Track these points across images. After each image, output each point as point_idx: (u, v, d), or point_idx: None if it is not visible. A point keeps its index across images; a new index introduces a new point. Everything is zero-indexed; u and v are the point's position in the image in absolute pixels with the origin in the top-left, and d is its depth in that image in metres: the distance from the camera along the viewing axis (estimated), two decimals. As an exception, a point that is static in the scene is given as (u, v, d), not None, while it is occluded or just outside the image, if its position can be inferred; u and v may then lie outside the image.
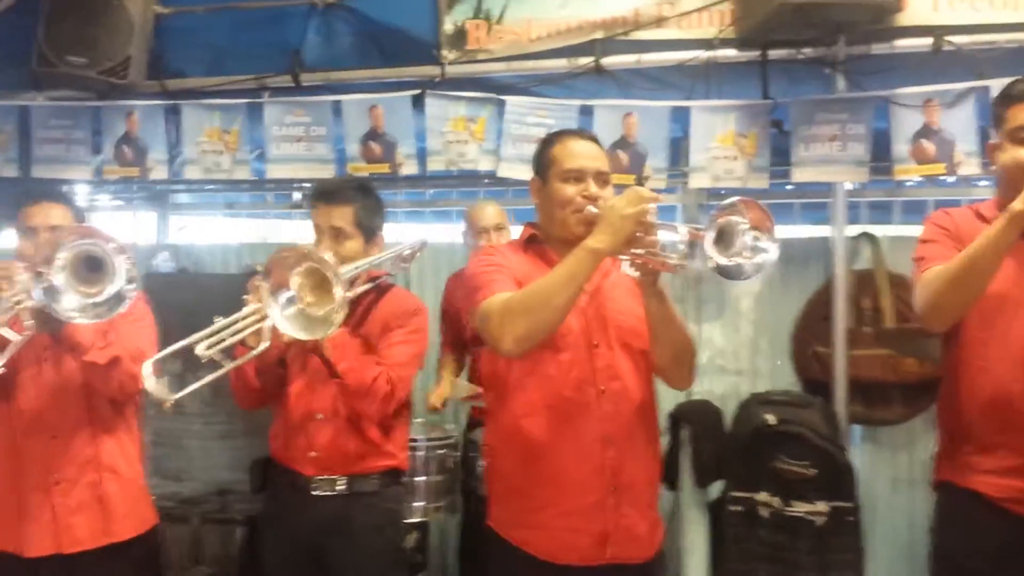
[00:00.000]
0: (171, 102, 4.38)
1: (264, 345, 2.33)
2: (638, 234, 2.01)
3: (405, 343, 2.68)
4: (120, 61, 4.06)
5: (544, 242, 2.37)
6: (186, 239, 4.82)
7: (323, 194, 2.72)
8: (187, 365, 2.60)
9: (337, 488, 2.67)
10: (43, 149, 4.54)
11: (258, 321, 2.33)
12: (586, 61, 3.94)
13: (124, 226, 4.97)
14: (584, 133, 2.44)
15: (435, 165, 4.21)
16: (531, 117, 4.06)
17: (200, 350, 2.25)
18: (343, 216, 2.68)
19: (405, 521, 3.04)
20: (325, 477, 2.67)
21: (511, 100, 4.07)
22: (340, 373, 2.56)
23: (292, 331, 2.27)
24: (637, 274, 2.12)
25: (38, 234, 2.66)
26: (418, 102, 4.14)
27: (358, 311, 2.72)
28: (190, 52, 4.36)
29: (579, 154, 2.29)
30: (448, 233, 5.12)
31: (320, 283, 2.31)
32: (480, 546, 3.92)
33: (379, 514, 2.72)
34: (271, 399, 2.74)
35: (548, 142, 2.39)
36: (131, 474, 2.80)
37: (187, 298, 3.74)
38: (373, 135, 4.22)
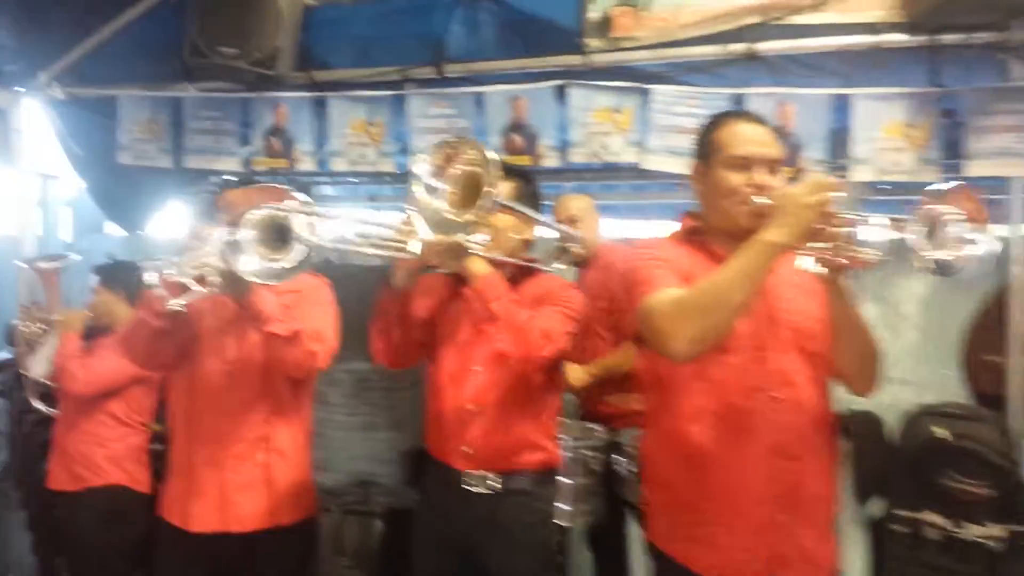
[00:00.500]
0: (318, 94, 4.41)
1: (416, 249, 2.31)
2: (819, 225, 1.83)
3: (560, 313, 2.58)
4: (269, 52, 4.11)
5: (706, 234, 2.22)
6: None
7: None
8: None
9: (490, 484, 2.59)
10: (194, 140, 4.67)
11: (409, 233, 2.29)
12: (738, 47, 3.73)
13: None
14: (752, 116, 2.26)
15: (577, 157, 4.09)
16: (679, 107, 3.88)
17: (350, 234, 2.28)
18: (503, 191, 2.60)
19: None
20: (478, 473, 2.60)
21: (657, 89, 3.91)
22: (493, 311, 2.47)
23: (428, 221, 2.26)
24: (822, 270, 1.94)
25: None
26: (561, 93, 4.04)
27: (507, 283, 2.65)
28: (336, 44, 4.38)
29: (747, 139, 2.12)
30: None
31: (471, 192, 2.25)
32: (616, 552, 3.82)
33: (532, 513, 2.64)
34: (410, 360, 2.67)
35: (713, 125, 2.23)
36: (298, 460, 2.81)
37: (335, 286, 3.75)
38: (515, 127, 4.14)
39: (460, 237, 2.30)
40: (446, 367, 2.67)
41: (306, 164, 4.53)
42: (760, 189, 2.06)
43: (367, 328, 2.72)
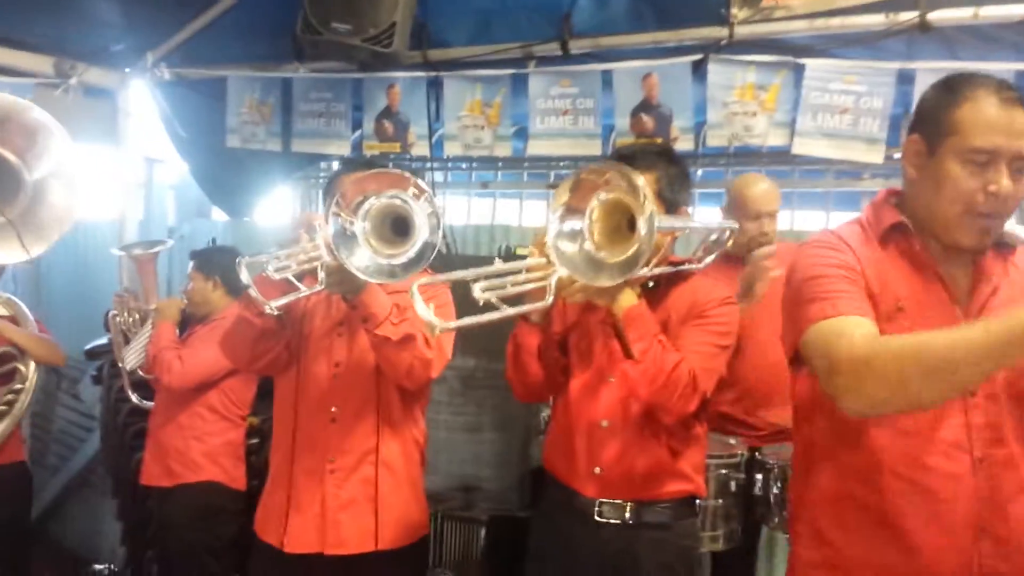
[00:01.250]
0: (433, 74, 4.15)
1: (549, 300, 1.95)
2: None
3: (710, 334, 2.20)
4: (384, 28, 3.85)
5: (913, 233, 1.72)
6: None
7: (622, 158, 2.27)
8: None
9: (623, 516, 2.23)
10: (304, 123, 4.49)
11: (544, 276, 1.96)
12: (909, 16, 3.31)
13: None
14: (1011, 91, 1.64)
15: (715, 140, 3.74)
16: (836, 83, 3.49)
17: (478, 291, 1.90)
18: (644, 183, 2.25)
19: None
20: (610, 501, 2.23)
21: (812, 64, 3.52)
22: (635, 353, 2.11)
23: (575, 270, 1.92)
24: None
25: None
26: (699, 68, 3.68)
27: (652, 297, 2.26)
28: (454, 19, 4.11)
29: (996, 126, 1.59)
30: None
31: (617, 226, 1.93)
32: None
33: (670, 550, 2.25)
34: (552, 391, 2.36)
35: (954, 93, 1.65)
36: (409, 476, 2.50)
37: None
38: (646, 106, 3.81)
39: (611, 278, 1.94)
40: (577, 378, 2.31)
41: (419, 148, 4.30)
42: (995, 200, 1.60)
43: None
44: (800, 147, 3.56)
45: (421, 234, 2.09)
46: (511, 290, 1.93)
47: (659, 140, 3.81)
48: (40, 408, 5.73)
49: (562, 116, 3.96)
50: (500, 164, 4.52)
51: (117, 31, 4.50)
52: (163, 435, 3.53)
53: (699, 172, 4.22)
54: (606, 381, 2.25)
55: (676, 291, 2.27)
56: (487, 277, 1.92)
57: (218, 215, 5.37)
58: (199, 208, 5.51)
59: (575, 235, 1.93)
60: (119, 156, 4.93)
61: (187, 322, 3.63)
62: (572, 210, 1.93)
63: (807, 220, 4.32)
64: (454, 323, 2.01)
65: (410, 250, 2.09)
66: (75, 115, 4.68)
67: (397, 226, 2.15)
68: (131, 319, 3.70)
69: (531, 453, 3.87)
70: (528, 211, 4.71)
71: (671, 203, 2.24)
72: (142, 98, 4.86)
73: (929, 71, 3.32)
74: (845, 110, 3.46)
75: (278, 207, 5.24)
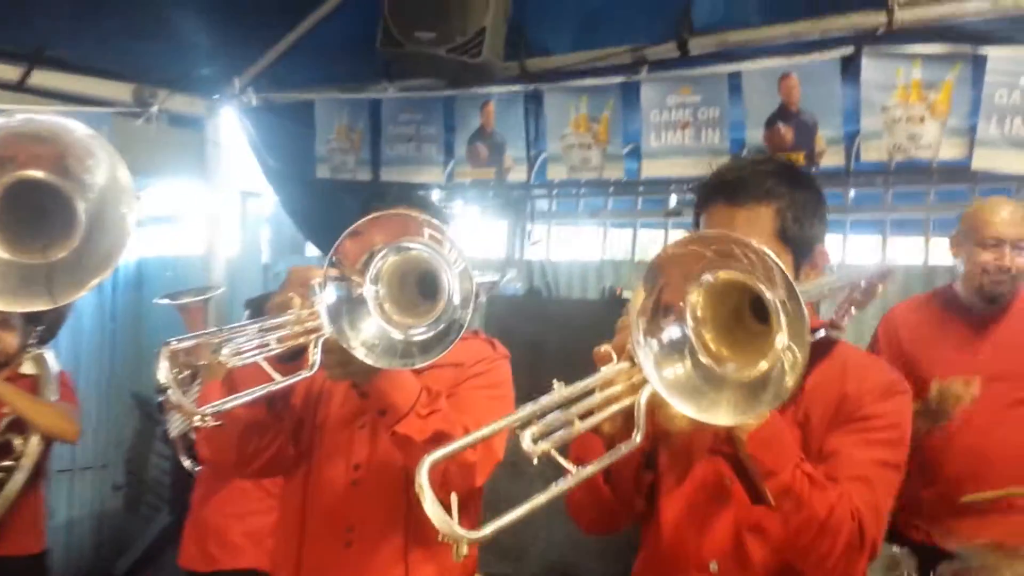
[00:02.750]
0: (531, 87, 3.64)
1: (637, 439, 1.25)
2: None
3: (876, 446, 1.47)
4: (473, 36, 3.36)
5: None
6: (540, 254, 4.05)
7: (724, 185, 1.59)
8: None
9: None
10: (394, 148, 4.10)
11: (625, 391, 1.30)
12: None
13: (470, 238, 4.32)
14: None
15: (871, 154, 3.07)
16: (1029, 78, 2.75)
17: (528, 443, 1.24)
18: (758, 221, 1.55)
19: None
20: None
21: (995, 55, 2.80)
22: (769, 497, 1.38)
23: (685, 398, 1.23)
24: None
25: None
26: (849, 66, 3.01)
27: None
28: (554, 22, 3.60)
29: None
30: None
31: (737, 313, 1.27)
32: None
33: None
34: (630, 520, 1.71)
35: None
36: None
37: (533, 328, 2.91)
38: (783, 114, 3.19)
39: (738, 409, 1.28)
40: (672, 507, 1.62)
41: (517, 173, 3.82)
42: None
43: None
44: (981, 160, 2.90)
45: (448, 300, 1.55)
46: (578, 429, 1.22)
47: (801, 155, 3.15)
48: (133, 455, 5.49)
49: (681, 130, 3.38)
50: (611, 189, 3.93)
51: (202, 55, 4.21)
52: (204, 511, 3.11)
53: (851, 193, 3.48)
54: (716, 505, 1.59)
55: (815, 375, 1.56)
56: (537, 416, 1.21)
57: (312, 251, 5.01)
58: (293, 245, 5.16)
59: (677, 347, 1.25)
60: (209, 189, 4.65)
61: None
62: (663, 308, 1.26)
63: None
64: (488, 531, 1.21)
65: (432, 323, 1.56)
66: (159, 146, 4.46)
67: (424, 286, 1.61)
68: (180, 375, 3.25)
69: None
70: (644, 243, 4.08)
71: (799, 242, 1.55)
72: (231, 127, 4.57)
73: None
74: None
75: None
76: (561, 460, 1.19)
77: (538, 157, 3.80)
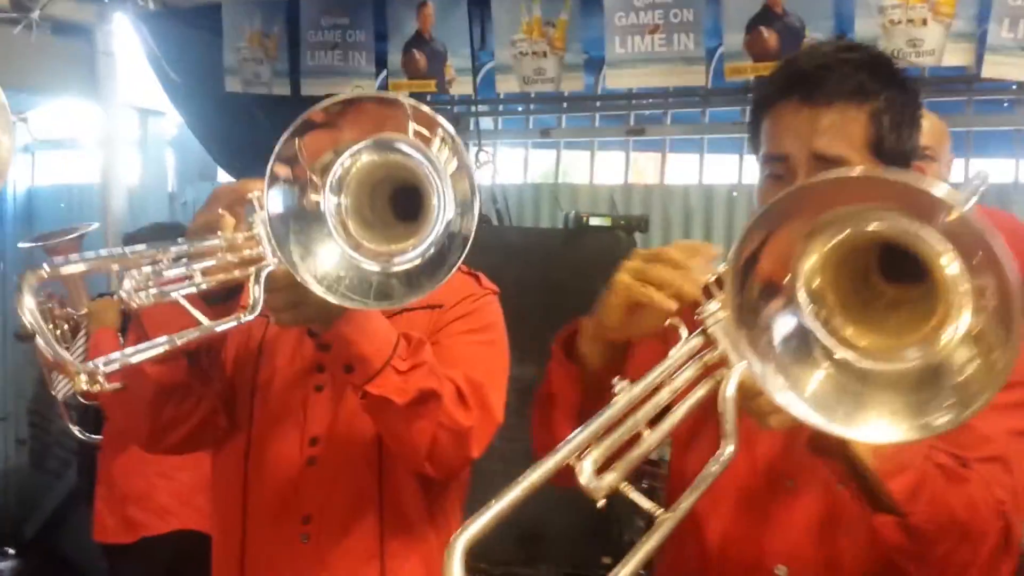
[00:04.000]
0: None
1: (729, 450, 0.88)
2: None
3: (1009, 410, 1.13)
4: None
5: None
6: (487, 178, 3.65)
7: (801, 78, 1.18)
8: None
9: None
10: (316, 58, 3.62)
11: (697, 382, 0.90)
12: None
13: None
14: None
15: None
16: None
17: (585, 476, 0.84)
18: (846, 127, 1.16)
19: None
20: None
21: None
22: (899, 501, 1.00)
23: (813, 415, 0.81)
24: None
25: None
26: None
27: None
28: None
29: None
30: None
31: (864, 280, 0.88)
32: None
33: None
34: None
35: None
36: None
37: (486, 261, 2.52)
38: (766, 17, 2.90)
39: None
40: (721, 489, 1.22)
41: (460, 86, 3.41)
42: None
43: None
44: (991, 68, 2.61)
45: (440, 216, 1.15)
46: (650, 444, 0.86)
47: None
48: (37, 406, 4.99)
49: (650, 35, 2.97)
50: (565, 104, 3.52)
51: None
52: (116, 474, 2.72)
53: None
54: (779, 489, 1.23)
55: None
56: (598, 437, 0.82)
57: (224, 177, 4.50)
58: (203, 170, 4.64)
59: (799, 340, 0.85)
60: (103, 108, 4.08)
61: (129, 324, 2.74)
62: (766, 285, 0.85)
63: (993, 169, 3.17)
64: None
65: (420, 245, 1.16)
66: (43, 58, 3.88)
67: (403, 201, 1.21)
68: (58, 331, 2.76)
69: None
70: (603, 165, 3.69)
71: (896, 158, 1.18)
72: (125, 35, 4.01)
73: None
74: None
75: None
76: (640, 499, 0.81)
77: (484, 67, 3.40)
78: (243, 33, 3.75)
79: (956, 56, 2.64)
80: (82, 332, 2.72)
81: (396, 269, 1.18)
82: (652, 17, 2.96)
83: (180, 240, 1.24)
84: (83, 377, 1.08)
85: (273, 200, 1.16)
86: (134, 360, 1.15)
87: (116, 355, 1.12)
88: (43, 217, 4.72)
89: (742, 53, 2.86)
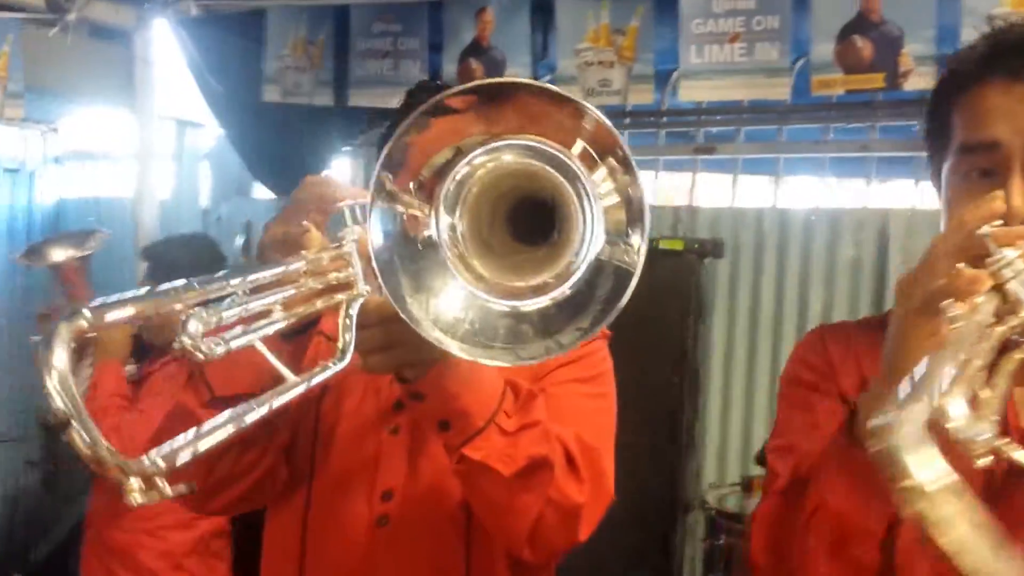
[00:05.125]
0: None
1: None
2: None
3: None
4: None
5: None
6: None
7: (1008, 52, 0.96)
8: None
9: None
10: (364, 67, 3.43)
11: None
12: None
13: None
14: None
15: None
16: None
17: None
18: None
19: None
20: None
21: None
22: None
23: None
24: None
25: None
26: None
27: None
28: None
29: None
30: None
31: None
32: None
33: None
34: None
35: None
36: None
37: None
38: (861, 24, 2.70)
39: None
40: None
41: None
42: None
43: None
44: None
45: (586, 247, 0.90)
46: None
47: (880, 77, 2.58)
48: (51, 427, 4.80)
49: (729, 44, 2.75)
50: (628, 120, 3.31)
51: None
52: (102, 524, 2.48)
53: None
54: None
55: None
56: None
57: (261, 192, 4.32)
58: (239, 185, 4.47)
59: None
60: (139, 117, 3.92)
61: (142, 355, 2.52)
62: None
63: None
64: None
65: (569, 278, 0.91)
66: (78, 63, 3.74)
67: (527, 219, 0.97)
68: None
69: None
70: (666, 187, 3.48)
71: None
72: (165, 42, 3.85)
73: None
74: None
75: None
76: None
77: (545, 79, 3.16)
78: (286, 40, 3.58)
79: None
80: (88, 360, 2.43)
81: (527, 309, 0.92)
82: (733, 25, 2.75)
83: (259, 264, 0.99)
84: (133, 483, 0.73)
85: (377, 221, 0.90)
86: (204, 446, 0.82)
87: (181, 440, 0.80)
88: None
89: (831, 65, 2.65)
